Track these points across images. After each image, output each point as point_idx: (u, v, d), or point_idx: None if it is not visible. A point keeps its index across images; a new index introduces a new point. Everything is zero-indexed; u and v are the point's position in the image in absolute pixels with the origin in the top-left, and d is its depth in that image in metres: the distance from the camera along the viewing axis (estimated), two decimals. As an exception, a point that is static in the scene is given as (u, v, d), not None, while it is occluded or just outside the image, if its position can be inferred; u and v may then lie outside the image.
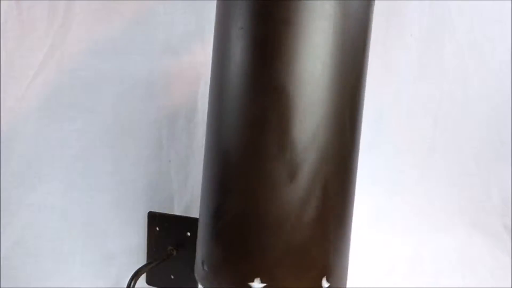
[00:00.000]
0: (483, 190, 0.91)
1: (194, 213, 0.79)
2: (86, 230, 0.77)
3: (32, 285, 0.74)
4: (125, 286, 0.64)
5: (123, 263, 0.78)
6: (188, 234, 0.73)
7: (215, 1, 0.47)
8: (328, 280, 0.41)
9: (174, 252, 0.75)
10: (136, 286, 0.65)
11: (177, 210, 0.81)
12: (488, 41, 0.82)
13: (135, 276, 0.65)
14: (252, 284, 0.40)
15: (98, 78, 0.72)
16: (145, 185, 0.79)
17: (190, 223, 0.73)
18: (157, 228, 0.77)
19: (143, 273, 0.69)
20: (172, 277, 0.76)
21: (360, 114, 0.47)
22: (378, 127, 0.85)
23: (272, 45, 0.40)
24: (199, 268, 0.49)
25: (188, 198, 0.81)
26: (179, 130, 0.78)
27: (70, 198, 0.75)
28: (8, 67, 0.68)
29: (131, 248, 0.79)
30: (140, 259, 0.79)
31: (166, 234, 0.76)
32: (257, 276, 0.40)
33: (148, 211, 0.78)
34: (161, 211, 0.77)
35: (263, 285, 0.40)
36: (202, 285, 0.48)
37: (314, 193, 0.40)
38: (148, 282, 0.78)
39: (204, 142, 0.45)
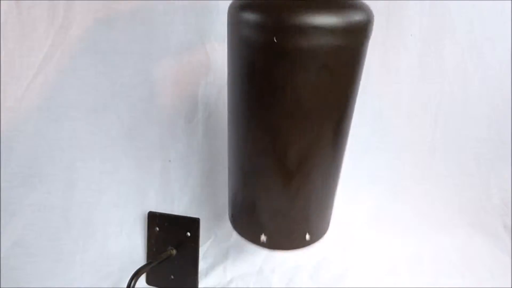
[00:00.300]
0: (483, 190, 0.91)
1: (194, 213, 0.79)
2: (86, 230, 0.77)
3: (32, 285, 0.74)
4: (125, 286, 0.64)
5: (123, 263, 0.78)
6: (188, 234, 0.73)
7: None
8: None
9: (174, 252, 0.75)
10: (136, 286, 0.65)
11: (177, 210, 0.81)
12: (488, 41, 0.82)
13: (135, 276, 0.65)
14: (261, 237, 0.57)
15: (98, 78, 0.72)
16: (145, 185, 0.79)
17: (190, 223, 0.73)
18: (157, 228, 0.77)
19: (143, 273, 0.69)
20: (172, 277, 0.76)
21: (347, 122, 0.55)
22: (378, 127, 0.85)
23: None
24: (230, 217, 0.65)
25: (188, 198, 0.81)
26: (179, 130, 0.78)
27: (70, 198, 0.75)
28: (8, 67, 0.68)
29: (131, 248, 0.79)
30: (140, 259, 0.79)
31: (166, 234, 0.76)
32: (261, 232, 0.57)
33: (148, 211, 0.78)
34: (161, 211, 0.77)
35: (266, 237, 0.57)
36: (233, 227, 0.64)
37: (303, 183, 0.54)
38: (148, 282, 0.78)
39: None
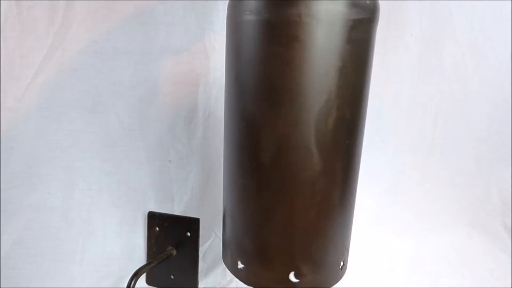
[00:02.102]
0: (483, 190, 0.91)
1: (194, 213, 0.79)
2: (86, 230, 0.77)
3: (32, 285, 0.74)
4: (125, 286, 0.64)
5: (123, 263, 0.78)
6: (188, 234, 0.73)
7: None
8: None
9: (174, 252, 0.75)
10: (136, 286, 0.65)
11: (177, 210, 0.81)
12: (488, 41, 0.82)
13: (135, 276, 0.65)
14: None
15: (98, 78, 0.72)
16: (145, 185, 0.79)
17: (190, 223, 0.73)
18: (157, 228, 0.77)
19: (143, 273, 0.69)
20: (172, 277, 0.76)
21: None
22: (378, 127, 0.85)
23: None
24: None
25: (188, 198, 0.81)
26: (179, 130, 0.78)
27: (70, 198, 0.75)
28: (8, 67, 0.68)
29: (131, 248, 0.79)
30: (140, 259, 0.79)
31: (166, 234, 0.76)
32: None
33: (148, 211, 0.78)
34: (161, 211, 0.77)
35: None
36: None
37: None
38: (148, 282, 0.78)
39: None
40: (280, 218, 0.49)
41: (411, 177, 0.89)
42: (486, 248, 0.88)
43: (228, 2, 0.49)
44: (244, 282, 0.54)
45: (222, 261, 0.81)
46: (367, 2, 0.45)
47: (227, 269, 0.81)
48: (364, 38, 0.46)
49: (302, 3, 0.41)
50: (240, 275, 0.54)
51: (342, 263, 0.54)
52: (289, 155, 0.46)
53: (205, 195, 0.82)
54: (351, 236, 0.57)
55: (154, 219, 0.77)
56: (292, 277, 0.49)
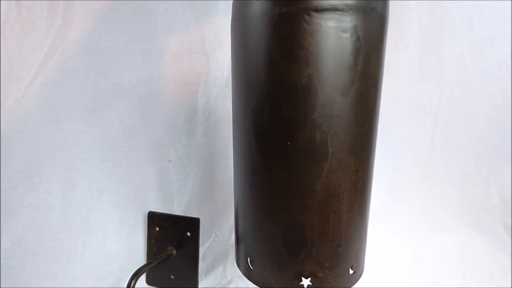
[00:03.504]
0: (483, 190, 0.91)
1: (194, 213, 0.79)
2: (86, 230, 0.77)
3: (32, 285, 0.74)
4: (125, 286, 0.64)
5: (123, 263, 0.78)
6: (188, 234, 0.73)
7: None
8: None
9: (174, 252, 0.75)
10: (136, 286, 0.65)
11: (177, 210, 0.81)
12: (488, 41, 0.82)
13: (135, 276, 0.65)
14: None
15: (98, 78, 0.72)
16: (145, 185, 0.79)
17: (190, 223, 0.73)
18: (157, 228, 0.77)
19: (143, 273, 0.69)
20: (172, 277, 0.76)
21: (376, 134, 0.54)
22: (378, 127, 0.85)
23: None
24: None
25: (188, 198, 0.81)
26: (179, 130, 0.78)
27: (70, 198, 0.75)
28: (8, 67, 0.68)
29: (131, 248, 0.79)
30: (140, 259, 0.79)
31: (166, 234, 0.76)
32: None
33: (148, 211, 0.78)
34: (161, 211, 0.77)
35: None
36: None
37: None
38: (148, 282, 0.78)
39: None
40: (294, 220, 0.48)
41: (411, 177, 0.89)
42: (486, 248, 0.88)
43: (233, 2, 0.49)
44: (256, 284, 0.53)
45: (223, 262, 0.80)
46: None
47: (227, 269, 0.81)
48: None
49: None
50: (252, 276, 0.54)
51: (352, 268, 0.53)
52: (302, 159, 0.46)
53: (205, 195, 0.82)
54: (366, 243, 0.56)
55: (154, 219, 0.77)
56: (304, 279, 0.49)
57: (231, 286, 0.78)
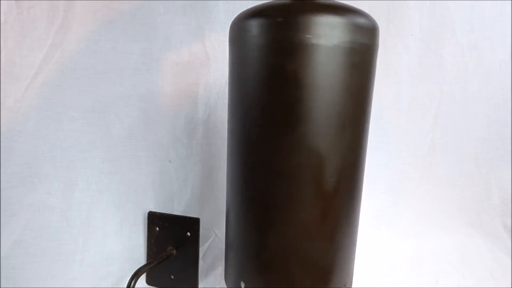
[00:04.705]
0: (483, 190, 0.91)
1: (194, 213, 0.79)
2: (86, 230, 0.77)
3: (32, 285, 0.74)
4: (125, 286, 0.64)
5: (123, 263, 0.78)
6: (188, 234, 0.73)
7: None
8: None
9: (174, 252, 0.75)
10: (136, 286, 0.65)
11: (177, 210, 0.81)
12: (488, 41, 0.82)
13: (135, 276, 0.65)
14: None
15: (98, 78, 0.72)
16: (145, 185, 0.79)
17: (190, 223, 0.73)
18: (157, 228, 0.77)
19: (143, 273, 0.69)
20: (172, 277, 0.76)
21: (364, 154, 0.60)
22: (378, 127, 0.85)
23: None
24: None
25: (188, 198, 0.81)
26: (179, 130, 0.78)
27: (70, 198, 0.75)
28: (8, 67, 0.68)
29: (131, 248, 0.79)
30: (140, 259, 0.79)
31: (166, 234, 0.76)
32: None
33: (148, 211, 0.78)
34: (161, 211, 0.77)
35: None
36: None
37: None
38: (148, 282, 0.78)
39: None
40: (283, 238, 0.49)
41: (411, 177, 0.89)
42: (486, 248, 0.88)
43: (232, 24, 0.50)
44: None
45: (223, 262, 0.80)
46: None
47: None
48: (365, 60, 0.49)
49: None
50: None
51: (345, 286, 0.54)
52: (295, 171, 0.48)
53: (205, 195, 0.82)
54: (354, 261, 0.57)
55: (154, 219, 0.77)
56: None
57: (231, 286, 0.78)
